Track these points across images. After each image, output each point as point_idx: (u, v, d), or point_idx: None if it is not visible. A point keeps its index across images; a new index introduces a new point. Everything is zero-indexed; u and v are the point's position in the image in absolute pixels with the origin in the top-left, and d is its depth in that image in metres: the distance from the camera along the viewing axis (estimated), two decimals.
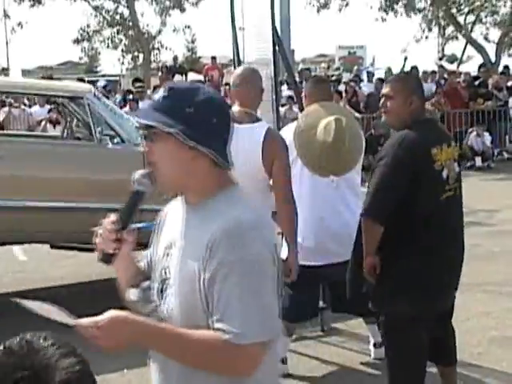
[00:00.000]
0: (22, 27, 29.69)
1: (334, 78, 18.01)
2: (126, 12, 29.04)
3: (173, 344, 1.85)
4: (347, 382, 4.91)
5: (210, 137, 1.93)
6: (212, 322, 1.84)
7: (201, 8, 57.91)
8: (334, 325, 5.77)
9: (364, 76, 18.34)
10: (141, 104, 13.57)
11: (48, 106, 14.86)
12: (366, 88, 16.66)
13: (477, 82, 16.85)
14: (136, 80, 16.79)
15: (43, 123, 14.42)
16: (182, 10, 29.96)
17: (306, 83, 6.04)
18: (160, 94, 1.98)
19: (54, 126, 13.78)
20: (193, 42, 44.20)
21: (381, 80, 16.12)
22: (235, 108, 4.08)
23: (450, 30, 29.71)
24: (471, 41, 26.78)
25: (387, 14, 26.96)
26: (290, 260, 4.12)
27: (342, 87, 16.10)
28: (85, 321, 1.80)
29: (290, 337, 4.98)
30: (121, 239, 2.01)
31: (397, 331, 3.70)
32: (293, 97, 12.23)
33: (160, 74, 19.51)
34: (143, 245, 2.17)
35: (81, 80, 16.81)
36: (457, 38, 29.69)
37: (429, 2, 27.09)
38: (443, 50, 32.03)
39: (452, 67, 25.14)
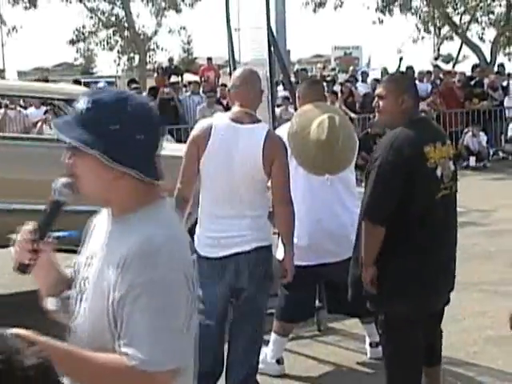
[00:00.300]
0: (16, 31, 29.71)
1: (329, 78, 18.02)
2: (122, 13, 29.04)
3: (77, 366, 1.76)
4: (344, 382, 4.92)
5: (134, 155, 1.85)
6: (119, 346, 1.77)
7: (196, 9, 57.95)
8: (330, 324, 5.78)
9: (359, 76, 18.34)
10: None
11: (44, 108, 14.84)
12: (361, 88, 16.67)
13: (472, 82, 16.88)
14: (131, 81, 16.77)
15: (39, 124, 14.40)
16: (178, 11, 29.98)
17: (299, 84, 6.05)
18: (83, 104, 1.87)
19: (50, 127, 13.76)
20: (188, 43, 44.33)
21: (377, 80, 16.15)
22: (235, 108, 4.09)
23: (445, 29, 29.78)
24: (467, 41, 26.82)
25: (384, 14, 26.98)
26: (287, 261, 4.13)
27: (337, 87, 16.10)
28: None
29: (286, 337, 5.00)
30: (37, 250, 1.96)
31: (395, 331, 3.71)
32: (288, 97, 12.24)
33: (156, 75, 19.48)
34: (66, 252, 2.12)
35: (77, 81, 16.79)
36: (452, 37, 29.76)
37: (425, 3, 27.15)
38: (439, 49, 32.05)
39: (447, 67, 25.20)
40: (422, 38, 29.80)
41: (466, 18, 27.53)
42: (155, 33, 29.81)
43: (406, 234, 3.60)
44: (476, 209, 9.82)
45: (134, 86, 15.08)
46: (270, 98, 6.07)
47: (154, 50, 30.17)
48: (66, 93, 6.92)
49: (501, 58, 27.24)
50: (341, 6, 26.64)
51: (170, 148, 5.21)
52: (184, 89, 16.64)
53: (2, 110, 15.39)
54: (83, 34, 29.87)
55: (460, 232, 3.96)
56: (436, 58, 26.08)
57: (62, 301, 2.01)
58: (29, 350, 1.29)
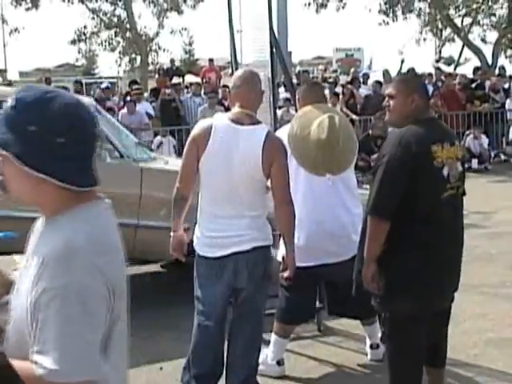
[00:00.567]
0: (19, 32, 29.72)
1: (331, 80, 18.03)
2: (124, 14, 29.04)
3: None
4: (345, 383, 4.92)
5: (51, 159, 1.74)
6: (32, 353, 1.69)
7: (198, 10, 57.96)
8: (331, 325, 5.78)
9: (360, 78, 18.31)
10: (138, 106, 13.59)
11: None
12: (362, 90, 16.66)
13: (474, 84, 16.88)
14: (133, 82, 16.79)
15: None
16: (180, 12, 29.96)
17: (300, 86, 6.07)
18: (10, 102, 1.78)
19: None
20: (190, 44, 44.40)
21: (378, 82, 16.16)
22: (236, 109, 4.10)
23: (447, 32, 29.79)
24: (468, 43, 26.83)
25: (388, 16, 26.96)
26: (288, 260, 4.13)
27: (339, 89, 16.11)
28: None
29: (286, 338, 4.99)
30: None
31: (398, 329, 3.71)
32: (290, 99, 12.24)
33: (157, 76, 19.50)
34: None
35: (78, 82, 16.81)
36: (454, 40, 29.78)
37: (427, 5, 27.14)
38: (440, 52, 32.11)
39: (449, 69, 25.19)
40: (424, 39, 29.83)
41: (468, 20, 27.56)
42: (157, 34, 29.81)
43: (411, 230, 3.60)
44: (477, 211, 9.81)
45: (135, 87, 15.10)
46: (271, 99, 6.07)
47: (155, 51, 30.16)
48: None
49: (502, 61, 27.34)
50: (343, 8, 26.63)
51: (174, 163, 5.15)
52: (185, 90, 16.65)
53: None
54: (85, 34, 29.85)
55: (464, 232, 3.95)
56: (437, 61, 26.14)
57: (1, 306, 1.92)
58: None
